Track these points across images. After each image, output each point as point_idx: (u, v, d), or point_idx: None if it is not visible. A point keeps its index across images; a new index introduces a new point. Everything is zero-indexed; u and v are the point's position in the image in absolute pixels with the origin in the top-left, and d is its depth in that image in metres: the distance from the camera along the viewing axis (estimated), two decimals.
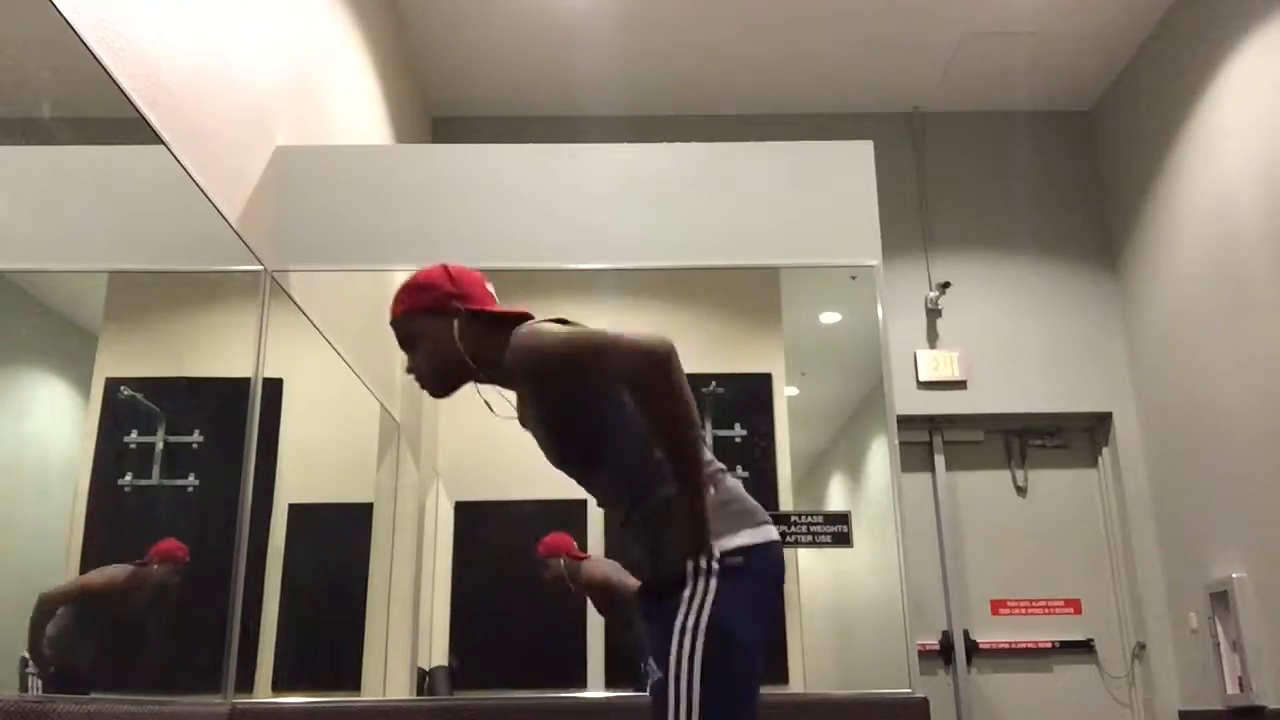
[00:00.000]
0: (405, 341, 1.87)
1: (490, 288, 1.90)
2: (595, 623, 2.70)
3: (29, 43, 1.77)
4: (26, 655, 1.89)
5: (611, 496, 1.81)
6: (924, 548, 4.59)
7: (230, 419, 2.66)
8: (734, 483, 1.74)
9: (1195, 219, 4.19)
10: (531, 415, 1.82)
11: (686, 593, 1.59)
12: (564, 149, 3.04)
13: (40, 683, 1.91)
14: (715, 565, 1.60)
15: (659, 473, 1.71)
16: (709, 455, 1.75)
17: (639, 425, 1.72)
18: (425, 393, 1.87)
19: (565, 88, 4.95)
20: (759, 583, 1.64)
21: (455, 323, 1.82)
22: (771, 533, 1.69)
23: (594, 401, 1.74)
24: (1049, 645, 4.49)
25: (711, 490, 1.68)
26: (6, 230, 1.69)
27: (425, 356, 1.84)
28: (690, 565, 1.61)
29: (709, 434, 2.81)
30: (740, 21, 4.53)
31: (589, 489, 1.86)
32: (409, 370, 1.88)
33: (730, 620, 1.58)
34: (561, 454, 1.82)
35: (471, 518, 2.85)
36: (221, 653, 2.55)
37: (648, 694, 1.64)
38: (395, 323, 1.87)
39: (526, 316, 1.84)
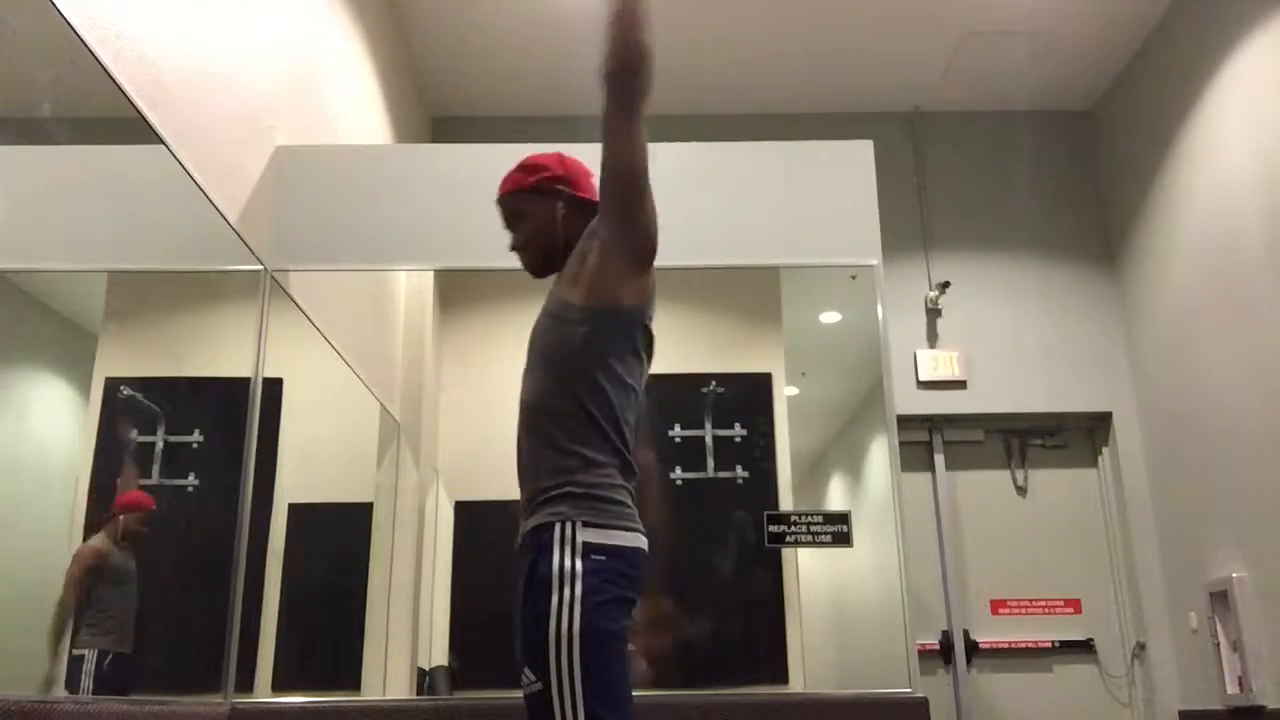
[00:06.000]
0: (510, 219, 1.95)
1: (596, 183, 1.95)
2: None
3: (29, 43, 1.77)
4: (84, 652, 1.89)
5: (524, 401, 1.79)
6: (924, 548, 4.58)
7: (230, 419, 2.66)
8: (626, 491, 1.71)
9: (1195, 219, 4.19)
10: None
11: (554, 599, 1.57)
12: (564, 149, 3.03)
13: (91, 682, 1.91)
14: (579, 564, 1.59)
15: (567, 443, 1.69)
16: (620, 461, 1.71)
17: (600, 397, 1.71)
18: (528, 272, 1.95)
19: (565, 88, 4.94)
20: (621, 582, 1.62)
21: (559, 205, 1.90)
22: (641, 541, 1.68)
23: (595, 327, 1.75)
24: (1049, 645, 4.48)
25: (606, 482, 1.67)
26: (6, 230, 1.69)
27: (527, 236, 1.92)
28: (557, 559, 1.59)
29: (709, 434, 2.81)
30: (740, 21, 4.52)
31: (524, 381, 1.83)
32: (512, 248, 1.95)
33: (602, 619, 1.57)
34: (537, 326, 1.84)
35: (471, 518, 2.85)
36: (221, 652, 2.55)
37: (522, 699, 1.60)
38: (502, 200, 1.95)
39: None
